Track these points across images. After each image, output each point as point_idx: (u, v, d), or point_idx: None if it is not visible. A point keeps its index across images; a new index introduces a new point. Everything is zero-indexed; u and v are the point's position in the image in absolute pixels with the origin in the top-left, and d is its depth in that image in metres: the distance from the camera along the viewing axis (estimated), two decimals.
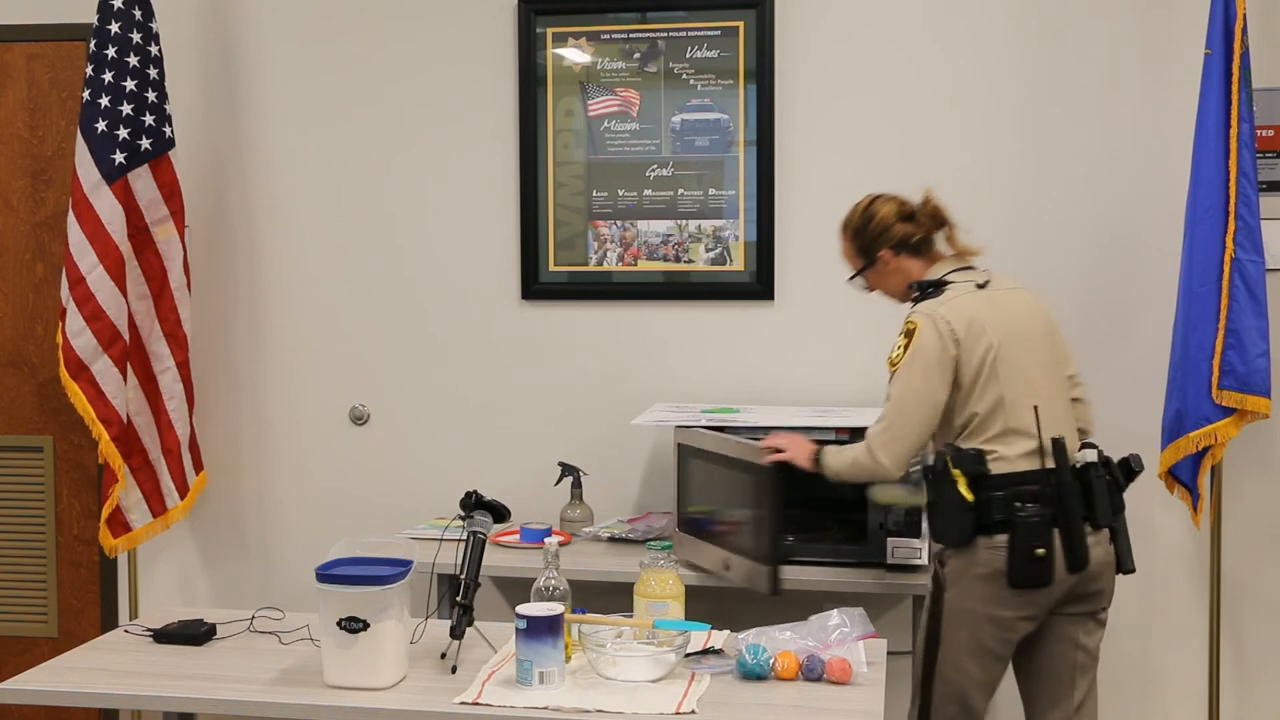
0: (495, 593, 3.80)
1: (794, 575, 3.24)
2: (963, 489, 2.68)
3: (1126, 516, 3.38)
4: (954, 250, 2.97)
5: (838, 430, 3.22)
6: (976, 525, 2.68)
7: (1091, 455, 2.78)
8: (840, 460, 2.88)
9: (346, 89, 3.97)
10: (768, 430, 3.19)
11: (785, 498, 3.02)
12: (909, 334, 2.79)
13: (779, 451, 2.99)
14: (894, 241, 2.94)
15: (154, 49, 3.76)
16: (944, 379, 2.75)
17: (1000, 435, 2.73)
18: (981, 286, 2.86)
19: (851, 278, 3.05)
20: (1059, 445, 2.73)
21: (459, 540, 2.70)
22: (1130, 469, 2.85)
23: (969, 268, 2.93)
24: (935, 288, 2.87)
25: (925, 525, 3.07)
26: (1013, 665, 2.89)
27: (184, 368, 3.85)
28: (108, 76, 3.67)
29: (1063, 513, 2.69)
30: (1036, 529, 2.65)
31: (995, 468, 2.70)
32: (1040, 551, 2.65)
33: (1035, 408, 2.76)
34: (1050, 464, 2.72)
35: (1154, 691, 3.67)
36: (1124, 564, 2.81)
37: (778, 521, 3.02)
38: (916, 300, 2.89)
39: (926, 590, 2.83)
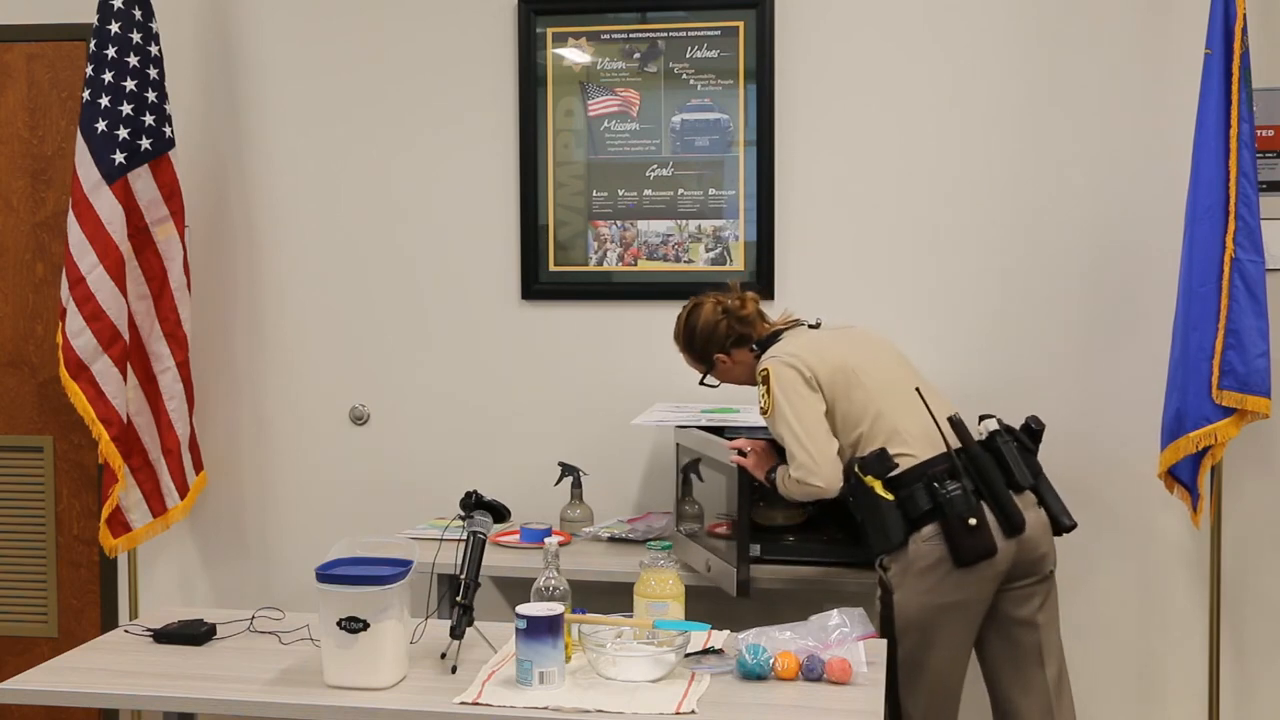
0: (495, 593, 3.80)
1: (795, 575, 3.25)
2: (881, 491, 2.76)
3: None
4: (776, 320, 3.14)
5: None
6: (906, 520, 2.75)
7: (993, 424, 2.85)
8: (789, 485, 2.93)
9: (346, 89, 3.97)
10: (766, 431, 3.19)
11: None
12: (765, 380, 2.90)
13: (744, 455, 3.05)
14: (722, 343, 3.12)
15: (154, 49, 3.76)
16: (816, 393, 2.87)
17: (890, 440, 2.81)
18: (814, 327, 3.06)
19: (701, 381, 3.20)
20: (956, 422, 2.83)
21: (459, 540, 2.70)
22: (1032, 429, 2.94)
23: (796, 322, 3.10)
24: (772, 339, 3.04)
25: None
26: (977, 659, 2.92)
27: (184, 368, 3.85)
28: (108, 76, 3.67)
29: (983, 481, 2.75)
30: (963, 501, 2.71)
31: (903, 463, 2.77)
32: (972, 521, 2.70)
33: (918, 389, 2.88)
34: (955, 443, 2.79)
35: (1154, 691, 3.67)
36: (1061, 522, 2.87)
37: (746, 522, 3.04)
38: (759, 356, 3.01)
39: (876, 596, 2.87)
